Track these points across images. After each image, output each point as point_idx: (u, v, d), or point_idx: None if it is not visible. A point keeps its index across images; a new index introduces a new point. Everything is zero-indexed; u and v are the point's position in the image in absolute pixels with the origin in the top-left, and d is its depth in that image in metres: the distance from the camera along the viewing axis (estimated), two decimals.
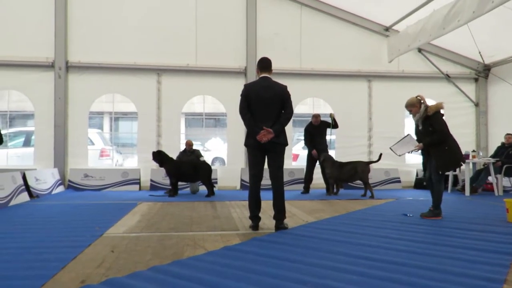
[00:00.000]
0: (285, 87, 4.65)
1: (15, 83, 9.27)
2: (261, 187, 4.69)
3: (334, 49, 10.29)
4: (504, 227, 4.72)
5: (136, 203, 6.96)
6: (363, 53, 10.41)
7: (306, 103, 11.02)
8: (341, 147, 10.27)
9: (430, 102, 5.66)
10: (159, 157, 8.22)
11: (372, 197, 7.89)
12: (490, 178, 8.70)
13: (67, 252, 3.47)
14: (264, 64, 4.68)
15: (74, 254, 3.42)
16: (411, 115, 5.48)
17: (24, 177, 7.46)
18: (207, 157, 12.26)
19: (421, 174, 9.13)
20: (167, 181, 8.82)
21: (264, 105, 4.51)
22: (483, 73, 10.62)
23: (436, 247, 3.69)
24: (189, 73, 9.84)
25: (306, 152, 8.98)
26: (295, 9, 10.22)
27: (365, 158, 9.82)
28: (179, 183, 8.45)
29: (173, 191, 8.12)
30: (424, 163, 5.53)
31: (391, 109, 10.38)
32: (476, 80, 10.76)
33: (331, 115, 8.67)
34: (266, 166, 4.67)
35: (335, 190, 8.46)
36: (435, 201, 5.32)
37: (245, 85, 4.76)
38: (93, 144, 10.76)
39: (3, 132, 7.76)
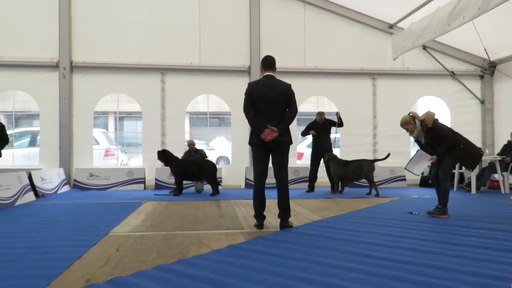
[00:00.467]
0: (289, 85, 4.63)
1: (20, 84, 9.33)
2: (266, 185, 4.68)
3: (338, 47, 10.26)
4: (510, 225, 4.68)
5: (141, 202, 6.98)
6: (367, 51, 10.37)
7: (310, 101, 11.00)
8: (346, 146, 10.24)
9: (420, 110, 5.66)
10: (164, 156, 8.24)
11: (377, 195, 7.86)
12: (496, 176, 8.64)
13: (73, 251, 3.48)
14: (268, 63, 4.67)
15: (80, 253, 3.44)
16: (410, 130, 5.41)
17: (30, 177, 7.51)
18: (212, 156, 12.28)
19: (426, 172, 9.08)
20: (172, 180, 8.84)
21: (268, 103, 4.50)
22: (488, 70, 10.54)
23: (442, 245, 3.67)
24: (193, 72, 9.84)
25: (310, 150, 8.95)
26: (299, 7, 10.19)
27: (370, 157, 9.79)
28: (184, 182, 8.47)
29: (178, 190, 8.14)
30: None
31: (396, 107, 10.31)
32: (481, 77, 10.68)
33: (337, 114, 8.64)
34: (270, 164, 4.66)
35: (340, 188, 8.43)
36: (442, 199, 5.28)
37: (249, 84, 4.75)
38: (98, 143, 10.81)
39: (8, 132, 7.82)
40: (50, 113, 9.33)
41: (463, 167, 5.26)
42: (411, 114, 5.41)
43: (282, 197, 4.53)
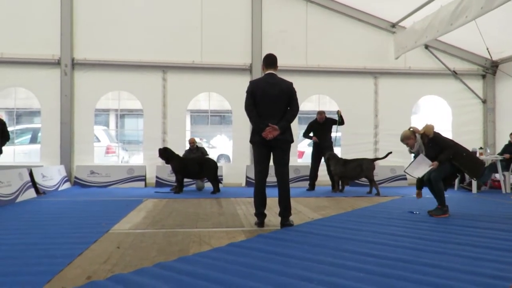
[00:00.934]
0: (291, 83, 4.63)
1: (22, 81, 9.33)
2: (267, 184, 4.67)
3: (340, 46, 10.23)
4: (511, 224, 4.67)
5: (141, 199, 6.99)
6: (369, 49, 10.34)
7: (312, 100, 10.98)
8: (347, 144, 10.23)
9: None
10: (166, 154, 8.24)
11: (378, 194, 7.85)
12: (497, 176, 8.62)
13: (73, 248, 3.48)
14: (270, 61, 4.66)
15: (80, 250, 3.44)
16: (411, 145, 5.45)
17: (31, 174, 7.52)
18: (213, 154, 12.27)
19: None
20: (172, 178, 8.84)
21: (270, 101, 4.49)
22: (490, 69, 10.51)
23: (443, 244, 3.66)
24: (195, 70, 9.83)
25: (311, 149, 8.94)
26: (301, 6, 10.16)
27: (371, 156, 9.78)
28: (185, 180, 8.47)
29: (178, 188, 8.13)
30: None
31: (397, 106, 10.33)
32: (483, 76, 10.65)
33: (338, 112, 8.62)
34: (271, 163, 4.66)
35: (340, 187, 8.43)
36: (439, 199, 5.31)
37: (251, 82, 4.73)
38: (99, 141, 10.81)
39: (9, 129, 7.83)
40: (51, 110, 9.34)
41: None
42: (411, 129, 5.47)
43: (282, 195, 4.52)
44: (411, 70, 10.42)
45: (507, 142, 8.87)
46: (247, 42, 9.96)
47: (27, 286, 2.53)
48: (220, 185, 8.66)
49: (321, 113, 8.58)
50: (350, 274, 2.76)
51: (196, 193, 8.23)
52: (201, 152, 8.89)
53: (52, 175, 8.41)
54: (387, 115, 10.32)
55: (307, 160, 10.06)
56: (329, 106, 10.73)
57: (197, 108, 15.44)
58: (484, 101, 10.62)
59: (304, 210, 5.94)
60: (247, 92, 4.59)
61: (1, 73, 9.21)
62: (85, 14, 9.53)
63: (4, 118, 8.23)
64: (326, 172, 8.69)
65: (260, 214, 4.63)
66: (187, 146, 9.12)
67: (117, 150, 11.20)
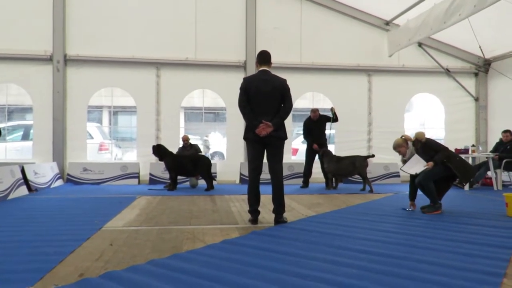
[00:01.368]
0: (285, 80, 4.62)
1: (13, 77, 9.23)
2: (261, 181, 4.67)
3: (334, 43, 10.24)
4: (503, 221, 4.72)
5: (135, 197, 6.96)
6: (363, 47, 10.37)
7: (306, 97, 10.99)
8: (341, 142, 10.26)
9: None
10: (159, 151, 8.20)
11: (371, 191, 7.89)
12: (489, 173, 8.70)
13: (66, 245, 3.46)
14: (263, 58, 4.65)
15: (73, 247, 3.41)
16: (403, 152, 5.57)
17: (22, 171, 7.44)
18: (207, 152, 12.25)
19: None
20: (166, 175, 8.81)
21: (264, 98, 4.48)
22: (483, 67, 10.59)
23: (435, 241, 3.69)
24: (188, 67, 9.79)
25: (305, 146, 8.96)
26: (295, 3, 10.15)
27: (364, 153, 9.81)
28: (179, 177, 8.44)
29: (172, 185, 8.11)
30: None
31: (391, 104, 10.37)
32: (476, 74, 10.73)
33: (332, 109, 8.64)
34: (265, 160, 4.66)
35: (334, 184, 8.45)
36: (431, 197, 5.37)
37: (244, 79, 4.73)
38: (92, 138, 10.72)
39: (1, 125, 7.75)
40: (43, 106, 9.25)
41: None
42: (403, 137, 5.58)
43: (276, 192, 4.52)
44: (404, 68, 10.46)
45: (498, 140, 8.95)
46: (241, 39, 9.93)
47: (19, 284, 2.51)
48: (214, 182, 8.64)
49: (314, 110, 8.59)
50: (343, 271, 2.77)
51: (189, 190, 8.21)
52: (195, 149, 8.87)
53: (44, 172, 8.34)
54: (380, 112, 10.36)
55: (301, 157, 10.08)
56: (323, 104, 10.75)
57: (191, 105, 15.38)
58: (476, 99, 10.70)
59: (298, 207, 5.96)
60: (241, 88, 4.58)
61: None
62: (78, 10, 9.43)
63: None
64: (320, 170, 8.72)
65: (254, 211, 4.63)
66: (181, 145, 9.09)
67: (110, 147, 11.13)
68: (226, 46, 9.89)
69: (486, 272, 2.74)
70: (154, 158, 8.94)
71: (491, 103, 10.57)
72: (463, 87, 10.65)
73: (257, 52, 10.31)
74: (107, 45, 9.48)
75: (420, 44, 10.31)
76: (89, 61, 9.44)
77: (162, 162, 8.45)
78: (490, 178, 8.71)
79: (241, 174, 9.58)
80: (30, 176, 7.61)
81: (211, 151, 14.16)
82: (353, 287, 2.45)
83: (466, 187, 8.34)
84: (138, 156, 9.80)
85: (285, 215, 4.66)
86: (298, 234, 3.99)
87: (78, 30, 9.44)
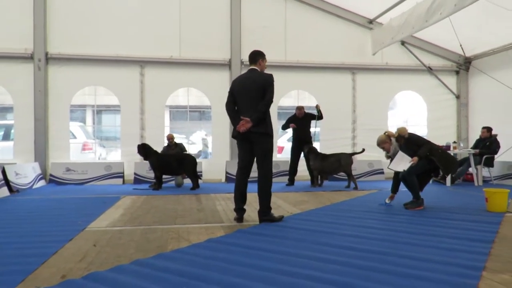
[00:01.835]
0: (268, 75, 4.54)
1: None
2: (251, 179, 4.67)
3: (319, 42, 10.30)
4: (483, 216, 4.83)
5: (119, 196, 6.88)
6: (348, 45, 10.45)
7: (291, 95, 11.04)
8: (326, 140, 10.34)
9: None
10: (144, 150, 8.13)
11: (356, 188, 7.98)
12: (470, 169, 8.88)
13: (48, 247, 3.40)
14: (251, 57, 4.70)
15: (55, 249, 3.36)
16: (387, 148, 5.67)
17: (3, 172, 7.28)
18: (192, 151, 12.20)
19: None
20: (151, 174, 8.74)
21: (246, 95, 4.49)
22: (464, 65, 10.79)
23: (418, 236, 3.75)
24: (173, 65, 9.72)
25: (290, 144, 8.99)
26: (280, 1, 10.17)
27: (349, 150, 9.90)
28: (164, 176, 8.38)
29: (157, 185, 8.05)
30: None
31: (374, 102, 10.50)
32: (457, 72, 10.94)
33: (317, 107, 8.69)
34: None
35: (319, 181, 8.51)
36: (413, 193, 5.46)
37: (233, 80, 4.80)
38: (75, 137, 10.57)
39: None
40: (24, 106, 9.06)
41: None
42: (386, 133, 5.67)
43: (261, 189, 4.52)
44: (388, 66, 10.59)
45: (478, 137, 9.14)
46: (226, 37, 9.90)
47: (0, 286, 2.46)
48: (200, 181, 8.61)
49: (300, 108, 8.63)
50: (328, 267, 2.79)
51: (175, 189, 8.17)
52: (180, 148, 8.82)
53: (26, 173, 8.18)
54: (364, 110, 10.47)
55: (286, 155, 10.12)
56: (308, 102, 10.81)
57: (176, 104, 15.27)
58: (457, 97, 10.90)
59: (284, 204, 5.98)
60: (229, 91, 4.67)
61: None
62: (60, 7, 9.27)
63: None
64: (305, 167, 8.76)
65: (239, 210, 4.62)
66: (166, 143, 9.02)
67: (94, 146, 10.98)
68: (211, 44, 9.85)
69: (466, 266, 2.81)
70: (138, 158, 8.86)
71: (471, 101, 10.79)
72: (444, 85, 10.84)
73: (242, 51, 10.35)
74: (90, 43, 9.34)
75: (403, 43, 10.46)
76: (71, 59, 9.28)
77: (147, 162, 8.38)
78: (471, 174, 8.90)
79: (227, 172, 9.56)
80: (11, 177, 7.45)
81: (195, 150, 14.07)
82: (338, 283, 2.47)
83: (448, 183, 8.51)
84: (122, 156, 9.70)
85: (273, 212, 4.65)
86: (283, 231, 4.01)
87: (60, 28, 9.27)
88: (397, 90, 10.80)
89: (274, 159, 9.77)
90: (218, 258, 3.03)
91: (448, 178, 8.53)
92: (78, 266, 2.90)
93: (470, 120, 10.82)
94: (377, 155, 9.83)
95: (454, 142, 9.17)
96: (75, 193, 7.45)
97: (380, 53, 10.37)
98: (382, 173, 10.16)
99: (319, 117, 8.65)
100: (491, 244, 3.45)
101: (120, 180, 9.32)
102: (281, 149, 12.08)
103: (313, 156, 8.31)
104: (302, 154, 8.68)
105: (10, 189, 7.28)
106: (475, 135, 9.85)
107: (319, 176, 8.50)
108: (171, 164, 8.07)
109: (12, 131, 9.52)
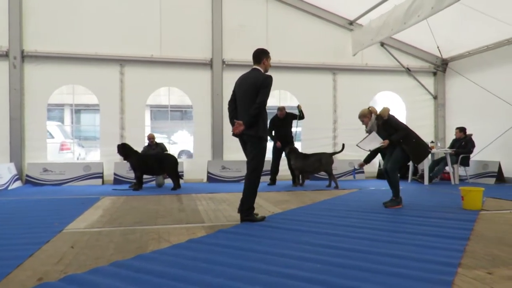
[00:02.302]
0: (264, 77, 4.47)
1: None
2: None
3: (301, 42, 10.37)
4: (459, 213, 4.95)
5: (98, 197, 6.77)
6: (329, 46, 10.56)
7: (273, 95, 10.98)
8: (307, 139, 10.41)
9: (378, 106, 5.97)
10: (124, 150, 8.02)
11: (336, 187, 8.06)
12: (447, 168, 9.11)
13: (24, 249, 3.32)
14: (254, 56, 4.66)
15: (31, 251, 3.28)
16: (366, 123, 5.72)
17: None
18: (174, 150, 12.09)
19: (382, 164, 9.41)
20: (131, 174, 8.63)
21: (242, 96, 4.52)
22: (441, 67, 11.05)
23: (396, 234, 3.82)
24: (154, 64, 9.62)
25: (272, 144, 9.01)
26: (261, 2, 10.19)
27: (330, 150, 10.00)
28: (145, 176, 8.29)
29: (137, 185, 7.95)
30: (383, 156, 5.76)
31: (355, 102, 10.57)
32: (434, 74, 11.18)
33: (298, 107, 8.74)
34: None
35: (301, 181, 8.57)
36: (394, 190, 5.53)
37: (237, 79, 4.77)
38: (52, 137, 10.36)
39: None
40: None
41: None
42: (369, 108, 5.68)
43: (245, 189, 4.53)
44: (367, 66, 10.74)
45: (454, 137, 9.38)
46: (208, 36, 9.86)
47: None
48: (181, 181, 8.55)
49: (281, 109, 8.67)
50: (308, 266, 2.82)
51: (156, 189, 8.09)
52: (161, 148, 8.74)
53: (1, 174, 7.96)
54: (345, 110, 10.58)
55: (268, 155, 10.13)
56: (290, 102, 10.86)
57: (157, 103, 15.12)
58: (435, 97, 11.15)
59: (265, 204, 5.99)
60: (233, 89, 4.72)
61: None
62: (36, 3, 9.04)
63: None
64: (287, 167, 8.80)
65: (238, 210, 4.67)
66: (147, 143, 8.92)
67: (72, 146, 10.77)
68: (192, 43, 9.78)
69: (442, 262, 2.87)
70: (118, 158, 8.73)
71: (448, 101, 11.06)
72: (422, 85, 11.07)
73: (223, 50, 10.31)
74: (68, 41, 9.15)
75: (382, 44, 10.63)
76: (48, 57, 9.07)
77: (127, 162, 8.27)
78: (448, 173, 9.12)
79: (208, 172, 9.52)
80: None
81: (177, 150, 13.96)
82: (317, 282, 2.49)
83: (426, 181, 8.69)
84: (102, 156, 9.54)
85: (258, 213, 4.67)
86: (264, 231, 4.02)
87: (36, 25, 9.04)
88: (376, 91, 10.96)
89: None
90: (198, 259, 3.01)
91: (426, 177, 8.72)
92: (55, 269, 2.84)
93: (447, 120, 11.08)
94: (358, 155, 9.95)
95: (432, 142, 9.38)
96: (52, 194, 7.28)
97: (360, 54, 10.52)
98: (363, 172, 10.30)
99: (301, 117, 8.71)
100: (466, 241, 3.54)
101: (99, 181, 9.16)
102: None
103: (294, 156, 8.37)
104: (283, 154, 8.71)
105: None
106: (451, 135, 10.10)
107: (300, 176, 8.55)
108: (152, 164, 7.98)
109: None
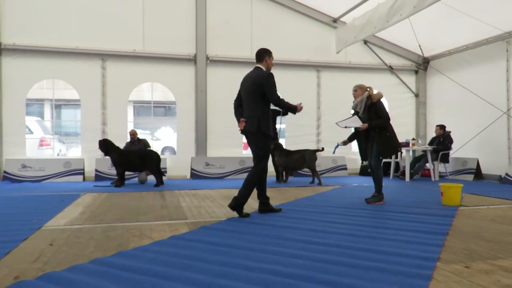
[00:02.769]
0: (264, 75, 4.55)
1: None
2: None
3: (285, 39, 10.37)
4: (439, 209, 5.05)
5: (79, 194, 6.66)
6: (313, 43, 10.60)
7: None
8: (291, 136, 10.45)
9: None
10: (105, 146, 7.89)
11: (319, 184, 8.12)
12: (427, 165, 9.28)
13: (0, 247, 3.23)
14: (257, 55, 4.75)
15: (8, 249, 3.20)
16: (356, 95, 5.77)
17: None
18: (157, 147, 11.98)
19: (365, 162, 9.52)
20: (113, 171, 8.51)
21: (245, 94, 4.64)
22: (422, 65, 11.22)
23: (377, 230, 3.87)
24: (136, 59, 9.50)
25: None
26: None
27: (314, 147, 10.07)
28: (128, 173, 8.18)
29: (119, 181, 7.85)
30: (361, 151, 5.79)
31: (338, 99, 10.70)
32: (416, 72, 11.35)
33: None
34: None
35: (284, 177, 8.60)
36: (377, 186, 5.60)
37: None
38: (31, 132, 10.13)
39: None
40: None
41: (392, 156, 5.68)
42: (368, 87, 5.71)
43: (245, 180, 4.61)
44: (351, 64, 10.83)
45: (435, 134, 9.56)
46: (191, 32, 9.77)
47: None
48: (164, 178, 8.48)
49: None
50: (290, 261, 2.83)
51: (138, 186, 8.00)
52: (144, 144, 8.64)
53: None
54: (329, 107, 10.67)
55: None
56: None
57: (140, 99, 14.95)
58: (416, 95, 11.33)
59: (249, 201, 5.96)
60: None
61: None
62: None
63: None
64: (271, 163, 8.81)
65: (261, 204, 4.81)
66: (129, 139, 8.81)
67: (52, 142, 10.55)
68: (176, 38, 9.69)
69: (421, 257, 2.92)
70: (100, 154, 8.60)
71: (429, 99, 11.25)
72: (404, 83, 11.23)
73: (207, 46, 10.23)
74: (47, 34, 8.94)
75: (365, 42, 10.73)
76: (27, 50, 8.85)
77: (109, 158, 8.15)
78: (429, 170, 9.29)
79: (191, 169, 9.47)
80: None
81: (160, 146, 13.84)
82: (298, 277, 2.50)
83: (407, 178, 8.84)
84: (83, 152, 9.38)
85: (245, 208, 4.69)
86: (247, 227, 4.02)
87: (14, 17, 8.81)
88: None
89: (239, 155, 9.86)
90: (180, 255, 2.99)
91: (407, 174, 8.86)
92: (32, 267, 2.78)
93: (428, 118, 11.27)
94: (341, 152, 10.05)
95: (413, 139, 9.54)
96: (31, 190, 7.13)
97: (344, 52, 10.59)
98: (346, 169, 10.41)
99: (285, 113, 8.71)
100: (445, 236, 3.61)
101: (80, 177, 9.01)
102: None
103: (278, 152, 8.39)
104: None
105: None
106: (432, 132, 10.29)
107: (284, 172, 8.58)
108: (134, 160, 7.88)
109: None
